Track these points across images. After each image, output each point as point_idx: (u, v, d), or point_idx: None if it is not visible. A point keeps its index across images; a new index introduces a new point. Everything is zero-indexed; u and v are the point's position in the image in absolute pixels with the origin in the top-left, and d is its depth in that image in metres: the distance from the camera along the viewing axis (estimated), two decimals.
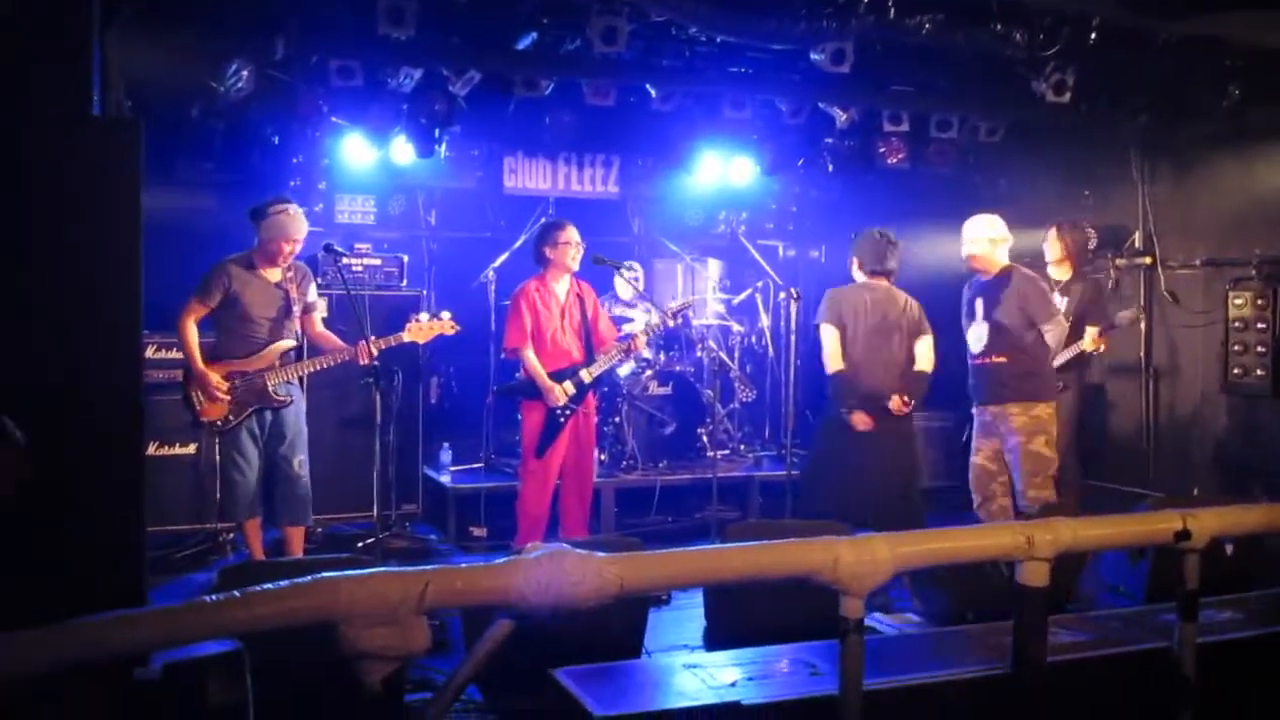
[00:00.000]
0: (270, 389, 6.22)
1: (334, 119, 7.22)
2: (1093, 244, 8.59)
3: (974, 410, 6.65)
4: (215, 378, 6.11)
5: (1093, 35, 6.41)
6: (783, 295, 6.66)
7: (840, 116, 7.87)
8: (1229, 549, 4.79)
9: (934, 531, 3.21)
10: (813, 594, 2.84)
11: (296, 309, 6.36)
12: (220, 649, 3.09)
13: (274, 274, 6.29)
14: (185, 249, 7.45)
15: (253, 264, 6.26)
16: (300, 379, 6.45)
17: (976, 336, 6.53)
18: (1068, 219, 7.69)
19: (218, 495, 6.56)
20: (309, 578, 2.36)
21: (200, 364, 6.12)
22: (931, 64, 7.40)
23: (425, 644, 2.42)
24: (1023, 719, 3.10)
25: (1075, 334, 7.09)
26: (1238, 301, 7.84)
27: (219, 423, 6.16)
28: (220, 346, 6.24)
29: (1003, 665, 3.22)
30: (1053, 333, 6.51)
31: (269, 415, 6.26)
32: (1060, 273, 7.46)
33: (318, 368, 6.39)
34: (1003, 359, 6.40)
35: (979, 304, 6.53)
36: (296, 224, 6.26)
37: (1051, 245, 7.48)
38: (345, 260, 6.90)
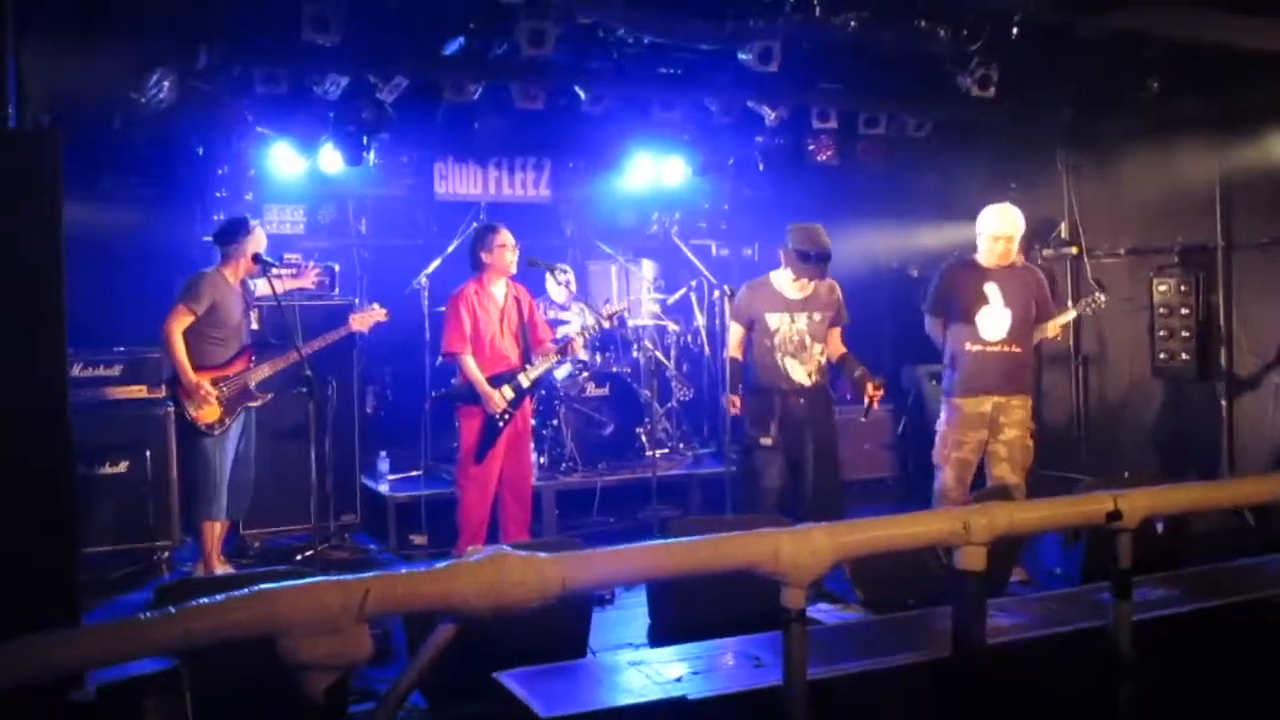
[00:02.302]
0: (253, 386, 6.56)
1: (260, 129, 7.15)
2: None
3: (960, 401, 6.47)
4: (207, 385, 6.38)
5: (1015, 30, 6.50)
6: (717, 294, 6.68)
7: (770, 115, 7.91)
8: (1160, 528, 4.90)
9: (872, 520, 3.23)
10: (755, 586, 2.86)
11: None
12: (157, 667, 3.04)
13: (235, 281, 6.65)
14: (111, 264, 7.37)
15: (224, 276, 6.58)
16: (275, 375, 6.70)
17: (995, 322, 6.41)
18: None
19: (197, 496, 6.57)
20: (246, 590, 2.33)
21: (193, 374, 6.38)
22: (858, 61, 7.46)
23: (368, 652, 2.40)
24: (965, 702, 3.13)
25: None
26: (1162, 288, 8.01)
27: (216, 426, 6.44)
28: (201, 355, 6.46)
29: (944, 650, 3.26)
30: (1049, 328, 6.69)
31: (250, 413, 6.66)
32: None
33: (292, 360, 6.54)
34: (1019, 349, 6.42)
35: (994, 290, 6.42)
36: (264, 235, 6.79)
37: None
38: (276, 272, 6.86)
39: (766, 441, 6.37)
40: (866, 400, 6.51)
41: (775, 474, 6.38)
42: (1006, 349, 6.40)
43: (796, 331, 6.46)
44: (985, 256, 6.47)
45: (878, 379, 6.52)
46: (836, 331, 6.66)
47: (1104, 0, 6.08)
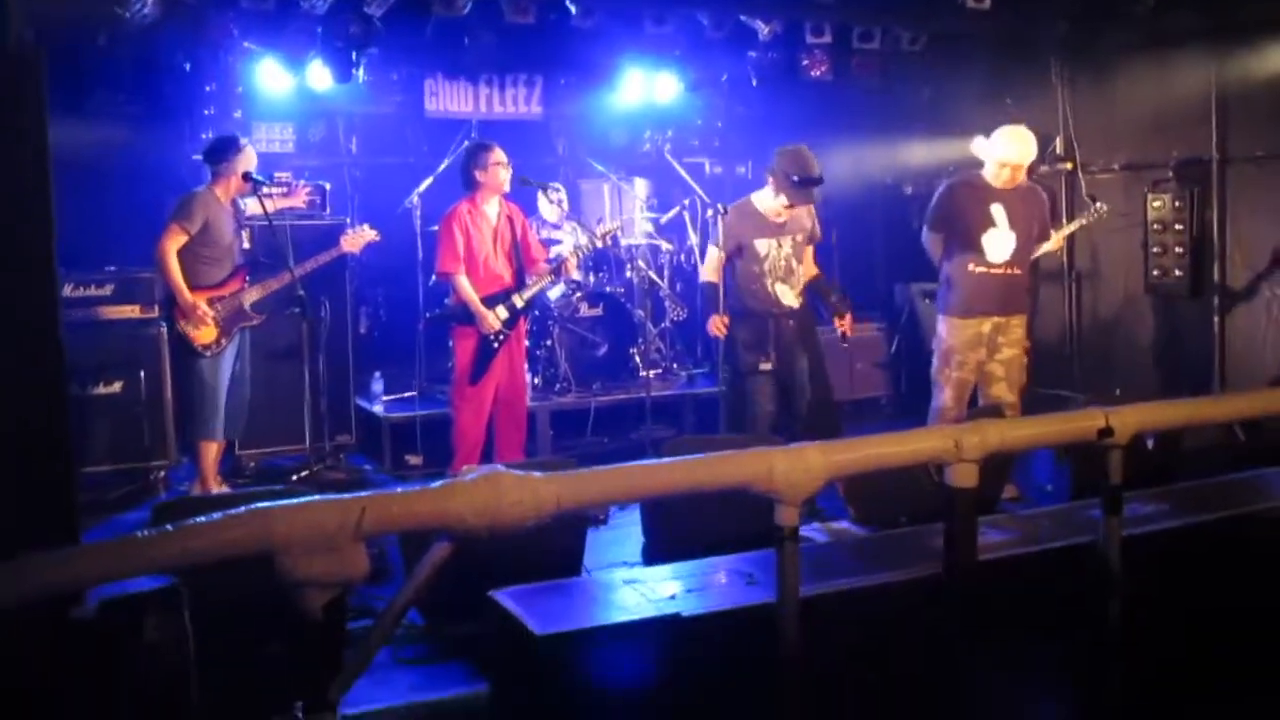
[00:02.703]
0: (248, 307, 6.60)
1: (246, 44, 7.04)
2: None
3: (960, 321, 6.49)
4: (203, 305, 6.41)
5: None
6: (710, 212, 6.62)
7: (763, 29, 7.80)
8: (1150, 444, 4.94)
9: (864, 439, 3.25)
10: (749, 505, 2.88)
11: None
12: (156, 585, 3.06)
13: (227, 200, 6.63)
14: (100, 183, 7.31)
15: (216, 195, 6.55)
16: (269, 295, 6.72)
17: (1000, 245, 6.39)
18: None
19: (194, 417, 6.66)
20: (244, 508, 2.34)
21: (189, 294, 6.39)
22: None
23: (364, 571, 2.42)
24: (956, 618, 3.18)
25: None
26: (1156, 204, 7.97)
27: (212, 347, 6.51)
28: (195, 275, 6.46)
29: (935, 567, 3.30)
30: (1049, 245, 6.76)
31: (245, 334, 6.71)
32: None
33: (285, 281, 6.58)
34: (1019, 270, 6.44)
35: (1000, 212, 6.38)
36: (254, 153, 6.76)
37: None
38: (266, 191, 6.81)
39: (766, 367, 6.34)
40: (840, 331, 6.56)
41: (769, 398, 6.37)
42: (1009, 271, 6.41)
43: (784, 256, 6.44)
44: (993, 178, 6.40)
45: (846, 310, 6.52)
46: (810, 250, 6.64)
47: None
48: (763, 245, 6.40)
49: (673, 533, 4.39)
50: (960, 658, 3.20)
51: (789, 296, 6.44)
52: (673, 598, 3.29)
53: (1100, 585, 3.43)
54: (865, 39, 8.03)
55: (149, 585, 3.03)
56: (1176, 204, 7.85)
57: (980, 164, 6.86)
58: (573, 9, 7.21)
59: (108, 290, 6.94)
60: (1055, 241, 7.04)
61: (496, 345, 6.59)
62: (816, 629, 2.97)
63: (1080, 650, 3.49)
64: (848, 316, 6.53)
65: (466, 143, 7.50)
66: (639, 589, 3.37)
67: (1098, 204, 7.36)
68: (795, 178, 6.26)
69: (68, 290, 6.65)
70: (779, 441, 3.58)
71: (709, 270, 6.56)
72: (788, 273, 6.44)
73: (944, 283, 6.59)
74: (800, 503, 2.83)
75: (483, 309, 6.52)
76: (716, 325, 6.35)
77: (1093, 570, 3.46)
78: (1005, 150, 6.32)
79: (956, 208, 6.51)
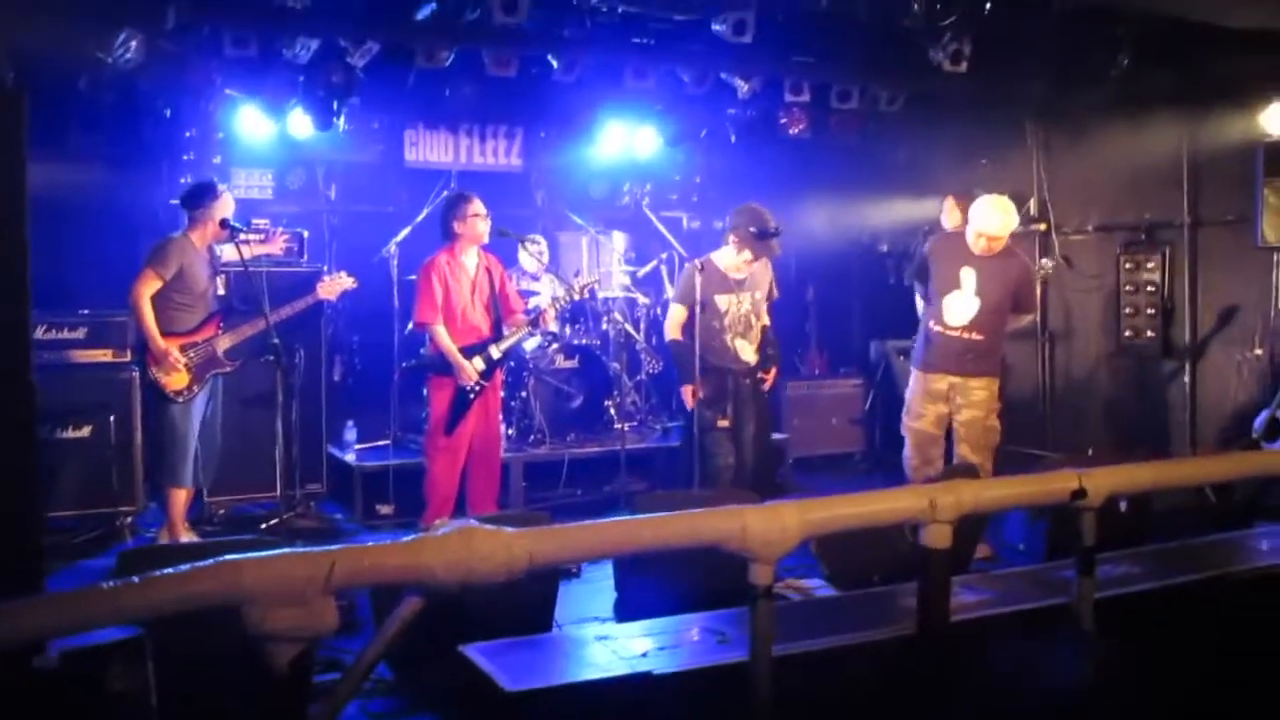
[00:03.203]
0: (221, 354, 6.54)
1: (228, 91, 7.05)
2: None
3: (920, 374, 6.57)
4: (175, 351, 6.35)
5: (988, 5, 6.50)
6: (687, 268, 6.68)
7: (742, 87, 7.88)
8: (1123, 506, 4.95)
9: (839, 498, 3.24)
10: (722, 562, 2.86)
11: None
12: (120, 635, 3.02)
13: (203, 247, 6.59)
14: (76, 226, 7.28)
15: (192, 241, 6.52)
16: (242, 342, 6.66)
17: (961, 308, 6.39)
18: (960, 188, 7.83)
19: (163, 463, 6.56)
20: (212, 560, 2.31)
21: (162, 341, 6.34)
22: (832, 34, 7.44)
23: (333, 624, 2.38)
24: (930, 678, 3.16)
25: None
26: (1129, 265, 8.07)
27: (184, 393, 6.43)
28: (169, 321, 6.41)
29: (909, 626, 3.28)
30: (1025, 320, 6.84)
31: (217, 380, 6.63)
32: None
33: (260, 328, 6.54)
34: (981, 336, 6.37)
35: (969, 276, 6.37)
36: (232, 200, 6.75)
37: (950, 213, 7.65)
38: (243, 237, 6.80)
39: (724, 424, 6.54)
40: (762, 378, 6.78)
41: (728, 452, 6.59)
42: (967, 335, 6.39)
43: (744, 312, 6.64)
44: (971, 244, 6.40)
45: (772, 364, 6.81)
46: (766, 307, 6.85)
47: None
48: (723, 301, 6.59)
49: (645, 588, 4.35)
50: (934, 719, 3.17)
51: (747, 352, 6.66)
52: (645, 655, 3.26)
53: (1074, 647, 3.43)
54: (843, 98, 8.11)
55: (113, 635, 2.99)
56: (1149, 265, 7.95)
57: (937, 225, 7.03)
58: (554, 63, 7.26)
59: (80, 333, 6.90)
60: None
61: (472, 396, 6.57)
62: (789, 688, 2.94)
63: (1054, 712, 3.47)
64: (772, 370, 6.79)
65: (445, 193, 7.52)
66: (610, 645, 3.33)
67: (1043, 261, 7.51)
68: (755, 230, 6.46)
69: (40, 332, 6.60)
70: (754, 498, 3.57)
71: (672, 328, 6.70)
72: (746, 328, 6.65)
73: (918, 335, 6.68)
74: (774, 561, 2.82)
75: (461, 360, 6.51)
76: (689, 396, 6.55)
77: (1066, 632, 3.45)
78: (984, 221, 6.29)
79: (930, 264, 6.59)
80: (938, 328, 6.46)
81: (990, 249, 6.34)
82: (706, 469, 6.55)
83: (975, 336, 6.38)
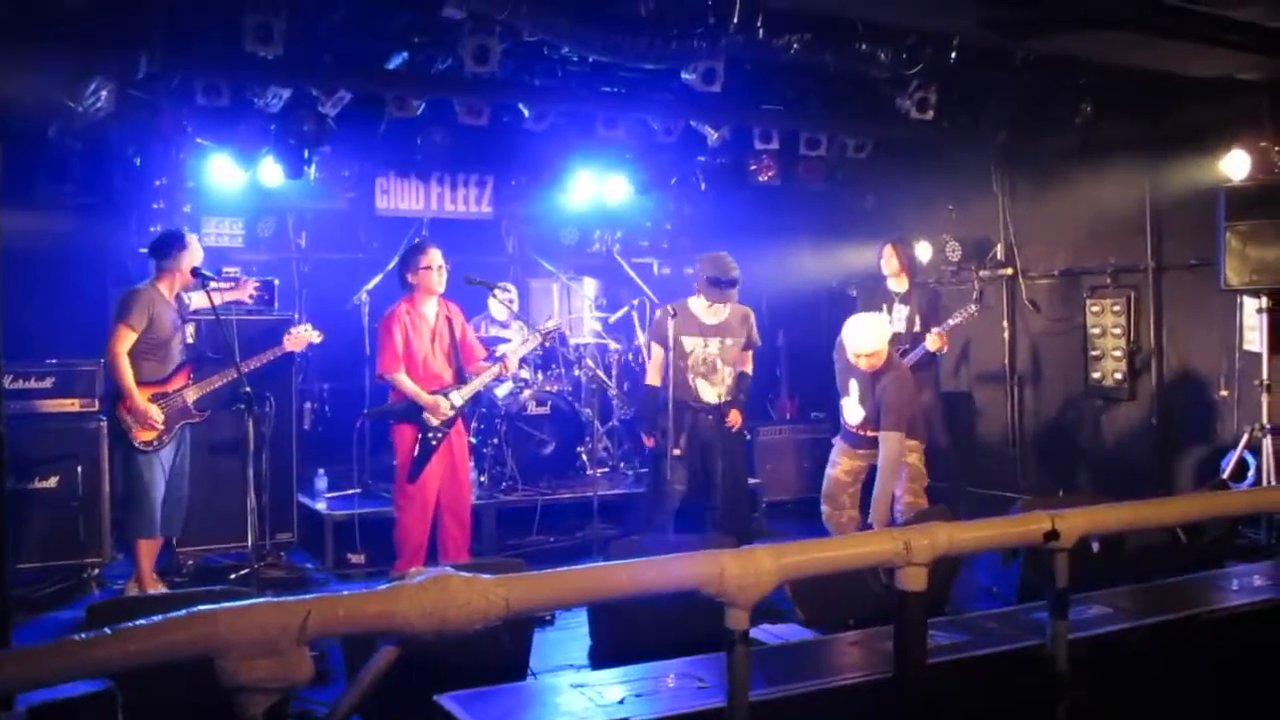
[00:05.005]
0: (191, 404, 6.49)
1: (199, 139, 7.05)
2: (956, 254, 8.96)
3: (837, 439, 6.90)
4: (154, 409, 6.31)
5: (954, 54, 6.62)
6: (659, 312, 6.72)
7: (712, 135, 7.97)
8: (1095, 547, 4.98)
9: (815, 541, 3.25)
10: (698, 607, 2.85)
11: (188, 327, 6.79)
12: (90, 689, 2.98)
13: (171, 296, 6.54)
14: (44, 275, 7.23)
15: (160, 291, 6.47)
16: (212, 392, 6.61)
17: (854, 411, 6.61)
18: (898, 237, 7.97)
19: (131, 513, 6.46)
20: (184, 611, 2.29)
21: (142, 400, 6.28)
22: (800, 83, 7.55)
23: (309, 674, 2.36)
24: None
25: (919, 337, 7.51)
26: (1095, 309, 8.16)
27: (153, 443, 6.36)
28: (139, 371, 6.33)
29: (885, 669, 3.28)
30: (931, 344, 7.26)
31: (185, 429, 6.56)
32: (898, 284, 7.84)
33: (230, 378, 6.44)
34: (873, 431, 6.49)
35: (855, 386, 6.56)
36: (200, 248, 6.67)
37: (888, 260, 7.81)
38: (213, 285, 6.77)
39: (676, 452, 6.73)
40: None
41: (679, 481, 6.80)
42: (863, 432, 6.60)
43: (708, 355, 6.85)
44: (851, 360, 6.46)
45: (737, 408, 6.91)
46: (749, 354, 7.04)
47: (1041, 25, 6.20)
48: (689, 342, 6.83)
49: (620, 634, 4.34)
50: None
51: (709, 392, 6.84)
52: (621, 702, 3.23)
53: (1049, 688, 3.43)
54: (812, 145, 8.22)
55: (83, 689, 2.95)
56: (1115, 309, 8.04)
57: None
58: (526, 111, 7.32)
59: (48, 383, 6.83)
60: (933, 342, 7.36)
61: (435, 442, 6.53)
62: None
63: None
64: (733, 412, 6.89)
65: (404, 245, 7.52)
66: (586, 693, 3.31)
67: (975, 300, 7.70)
68: (708, 278, 6.73)
69: (7, 382, 6.53)
70: (730, 543, 3.57)
71: (654, 371, 6.95)
72: (710, 370, 6.84)
73: None
74: (751, 606, 2.82)
75: (428, 398, 6.49)
76: (648, 441, 6.96)
77: (1041, 672, 3.46)
78: (854, 341, 6.37)
79: (836, 362, 6.75)
80: (841, 415, 6.78)
81: (872, 365, 6.38)
82: (656, 495, 6.86)
83: (870, 433, 6.54)
